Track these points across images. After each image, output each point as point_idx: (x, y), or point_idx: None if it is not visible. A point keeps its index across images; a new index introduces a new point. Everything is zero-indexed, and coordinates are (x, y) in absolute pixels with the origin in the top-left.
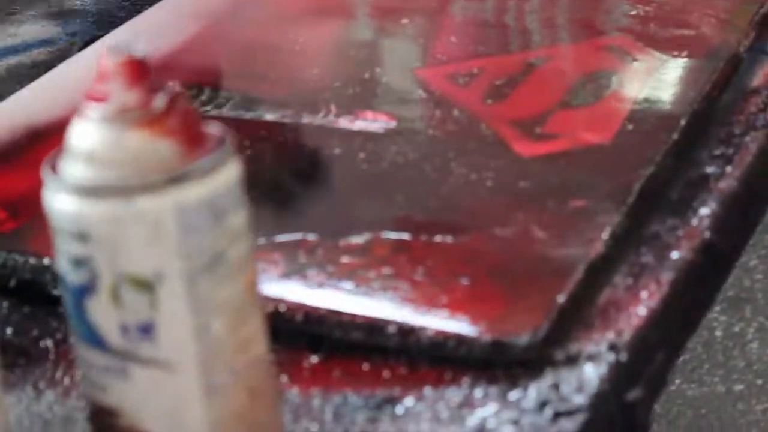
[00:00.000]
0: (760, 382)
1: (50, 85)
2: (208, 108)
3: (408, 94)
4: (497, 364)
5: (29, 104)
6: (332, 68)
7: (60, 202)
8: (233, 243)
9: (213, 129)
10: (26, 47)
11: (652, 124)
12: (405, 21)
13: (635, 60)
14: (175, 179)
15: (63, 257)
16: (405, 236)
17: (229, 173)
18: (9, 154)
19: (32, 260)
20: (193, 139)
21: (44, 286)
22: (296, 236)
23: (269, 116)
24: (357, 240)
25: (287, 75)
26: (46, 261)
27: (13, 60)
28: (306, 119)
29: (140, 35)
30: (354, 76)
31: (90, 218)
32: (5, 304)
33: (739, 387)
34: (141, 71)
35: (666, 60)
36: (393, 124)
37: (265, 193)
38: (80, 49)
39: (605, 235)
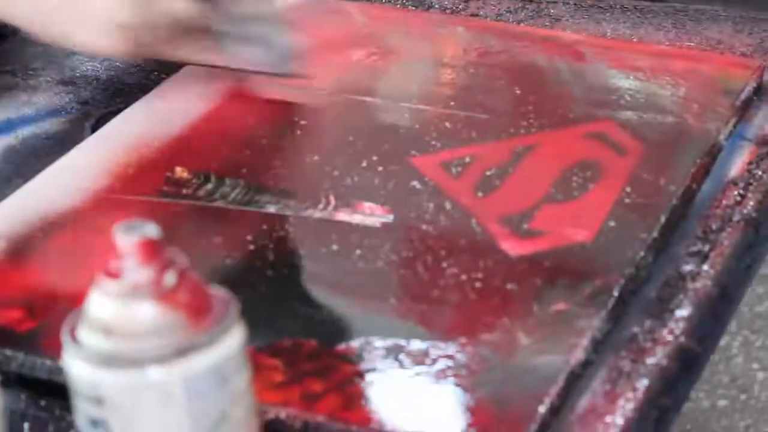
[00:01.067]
0: (743, 397)
1: (60, 173)
2: (214, 197)
3: (403, 185)
4: None
5: (41, 195)
6: (332, 156)
7: (78, 368)
8: (236, 403)
9: (218, 295)
10: (40, 117)
11: (632, 221)
12: (403, 107)
13: (620, 150)
14: (184, 351)
15: (81, 416)
16: (398, 342)
17: (233, 340)
18: (23, 249)
19: (49, 362)
20: (200, 309)
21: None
22: (294, 340)
23: (271, 208)
24: (353, 344)
25: (289, 162)
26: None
27: (27, 131)
28: (306, 212)
29: (151, 117)
30: (352, 164)
31: (105, 385)
32: (23, 396)
33: (723, 402)
34: (153, 251)
35: (649, 149)
36: (389, 217)
37: (263, 293)
38: (93, 121)
39: (585, 341)
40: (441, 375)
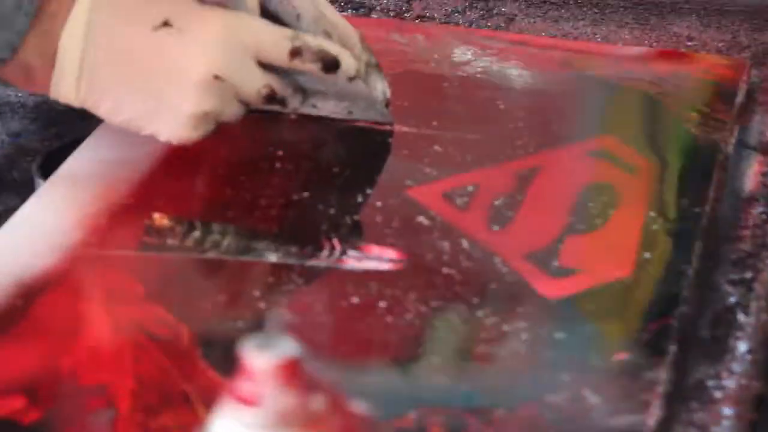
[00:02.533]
0: None
1: (23, 228)
2: (205, 247)
3: (408, 222)
4: None
5: (7, 255)
6: (321, 191)
7: None
8: None
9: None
10: None
11: (667, 250)
12: (384, 129)
13: (630, 169)
14: None
15: None
16: (458, 411)
17: None
18: (6, 321)
19: None
20: None
21: None
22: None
23: (272, 257)
24: (411, 416)
25: (276, 201)
26: None
27: None
28: (312, 260)
29: (111, 156)
30: (345, 200)
31: None
32: None
33: None
34: (295, 371)
35: (659, 167)
36: (403, 261)
37: None
38: (39, 161)
39: (658, 396)
40: None
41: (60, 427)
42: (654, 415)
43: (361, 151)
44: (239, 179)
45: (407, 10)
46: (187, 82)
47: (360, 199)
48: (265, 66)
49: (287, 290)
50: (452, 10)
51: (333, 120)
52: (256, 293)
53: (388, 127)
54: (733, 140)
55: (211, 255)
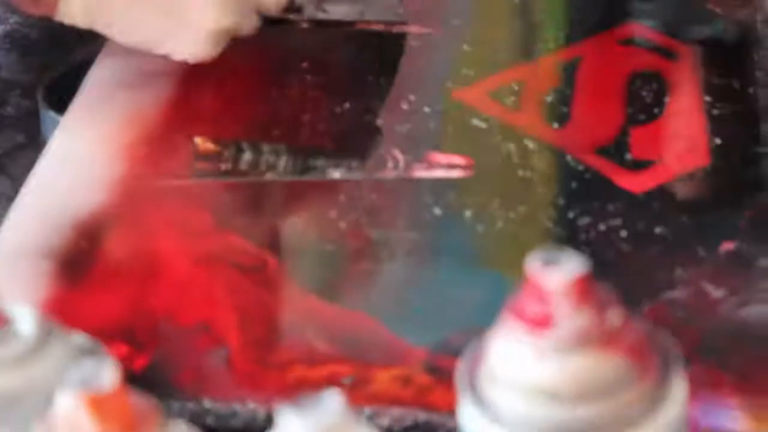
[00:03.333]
0: None
1: (60, 164)
2: (261, 169)
3: (464, 126)
4: None
5: (53, 195)
6: (364, 101)
7: None
8: None
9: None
10: None
11: (736, 134)
12: (412, 40)
13: (669, 54)
14: (652, 409)
15: None
16: None
17: (682, 386)
18: (76, 264)
19: (192, 405)
20: (643, 351)
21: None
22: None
23: (336, 174)
24: None
25: (320, 115)
26: (207, 404)
27: None
28: (378, 174)
29: (128, 80)
30: (392, 109)
31: None
32: None
33: None
34: (589, 288)
35: (698, 50)
36: (472, 166)
37: (394, 280)
38: (43, 91)
39: None
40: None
41: (175, 371)
42: None
43: (389, 56)
44: (272, 95)
45: None
46: None
47: (405, 106)
48: None
49: (363, 206)
50: None
51: (347, 24)
52: (333, 213)
53: (410, 30)
54: (759, 17)
55: (270, 177)
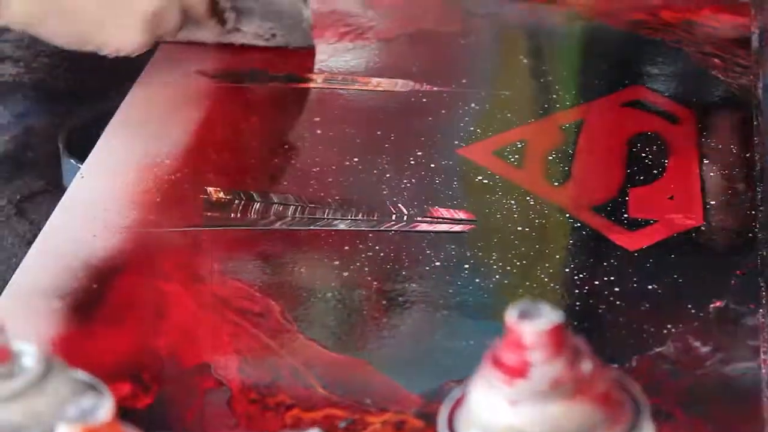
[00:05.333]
0: None
1: (77, 208)
2: (270, 218)
3: (469, 182)
4: None
5: (68, 237)
6: (371, 155)
7: None
8: None
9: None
10: None
11: (730, 196)
12: (422, 98)
13: (671, 118)
14: None
15: None
16: None
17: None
18: (86, 306)
19: None
20: (612, 398)
21: None
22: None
23: (341, 225)
24: None
25: (327, 168)
26: None
27: None
28: (383, 226)
29: (144, 131)
30: (398, 163)
31: None
32: None
33: None
34: (562, 338)
35: (698, 114)
36: (474, 220)
37: (395, 329)
38: (65, 136)
39: (765, 342)
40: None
41: (176, 410)
42: (767, 360)
43: (398, 113)
44: (283, 148)
45: None
46: None
47: (413, 161)
48: None
49: (367, 257)
50: None
51: (354, 81)
52: (336, 262)
53: (421, 88)
54: (760, 84)
55: (278, 226)
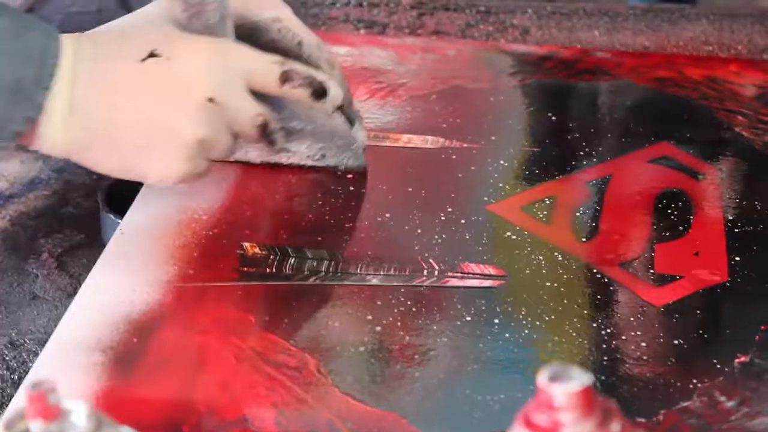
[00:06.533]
0: None
1: (117, 265)
2: (305, 273)
3: (498, 238)
4: None
5: (110, 293)
6: (402, 212)
7: None
8: None
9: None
10: (20, 193)
11: (755, 252)
12: (452, 154)
13: (695, 174)
14: None
15: None
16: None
17: None
18: (128, 360)
19: None
20: None
21: None
22: None
23: (374, 281)
24: None
25: (360, 225)
26: None
27: (11, 208)
28: (414, 281)
29: (180, 190)
30: (429, 219)
31: None
32: None
33: None
34: (592, 399)
35: (723, 171)
36: (503, 276)
37: (426, 382)
38: (104, 194)
39: None
40: None
41: None
42: None
43: (429, 169)
44: (317, 203)
45: (420, 26)
46: (182, 106)
47: (443, 217)
48: (256, 96)
49: (399, 311)
50: (465, 24)
51: (387, 139)
52: (369, 317)
53: (451, 145)
54: None
55: (312, 281)
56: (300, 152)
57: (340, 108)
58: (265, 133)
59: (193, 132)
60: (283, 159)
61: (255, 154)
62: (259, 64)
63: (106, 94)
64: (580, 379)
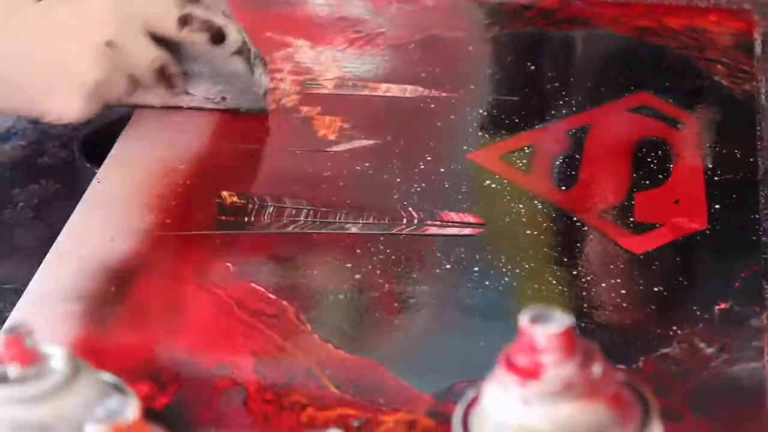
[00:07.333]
0: None
1: (95, 213)
2: (283, 222)
3: (477, 186)
4: None
5: (87, 242)
6: (381, 161)
7: None
8: None
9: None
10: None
11: (735, 201)
12: (431, 103)
13: (674, 122)
14: None
15: None
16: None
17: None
18: (106, 309)
19: None
20: (622, 400)
21: None
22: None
23: (353, 229)
24: None
25: (340, 173)
26: None
27: None
28: (393, 229)
29: (157, 138)
30: (408, 168)
31: None
32: None
33: None
34: (574, 341)
35: (702, 119)
36: (483, 224)
37: (406, 330)
38: (80, 144)
39: None
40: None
41: (194, 410)
42: None
43: (407, 119)
44: (295, 153)
45: None
46: (80, 48)
47: (422, 165)
48: (155, 39)
49: (378, 259)
50: None
51: (365, 88)
52: (348, 265)
53: (430, 94)
54: (763, 90)
55: (291, 230)
56: (199, 96)
57: (239, 53)
58: (163, 77)
59: (90, 74)
60: (184, 102)
61: (155, 98)
62: (157, 8)
63: (4, 35)
64: (562, 320)
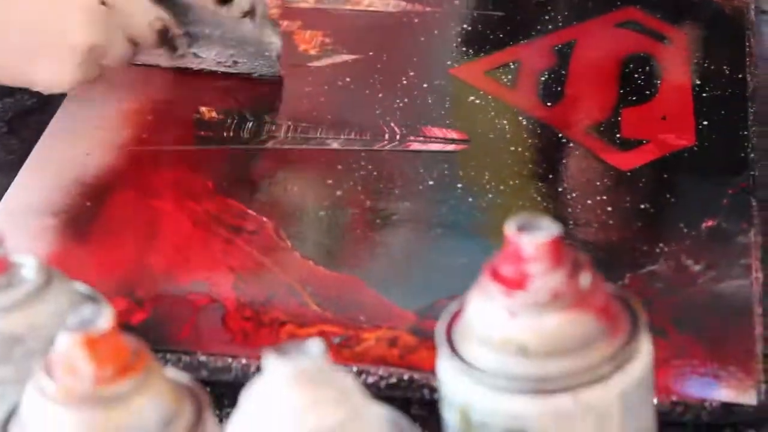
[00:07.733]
0: None
1: (69, 129)
2: (263, 138)
3: (462, 102)
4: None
5: (61, 158)
6: (363, 76)
7: (482, 398)
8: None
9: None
10: None
11: (722, 117)
12: (414, 18)
13: (662, 38)
14: (620, 363)
15: None
16: None
17: (648, 346)
18: (81, 223)
19: (187, 358)
20: (611, 311)
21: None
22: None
23: (334, 144)
24: None
25: (321, 89)
26: (201, 358)
27: None
28: (376, 145)
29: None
30: (390, 83)
31: (528, 416)
32: None
33: None
34: (562, 251)
35: (690, 34)
36: (466, 140)
37: (388, 247)
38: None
39: (755, 260)
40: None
41: (171, 326)
42: (760, 280)
43: (390, 33)
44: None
45: None
46: (71, 8)
47: (405, 81)
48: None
49: (360, 176)
50: None
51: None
52: (329, 181)
53: (413, 9)
54: (752, 5)
55: (270, 145)
56: (210, 58)
57: (249, 14)
58: (165, 38)
59: (83, 37)
60: (194, 63)
61: (162, 58)
62: None
63: None
64: (550, 229)
